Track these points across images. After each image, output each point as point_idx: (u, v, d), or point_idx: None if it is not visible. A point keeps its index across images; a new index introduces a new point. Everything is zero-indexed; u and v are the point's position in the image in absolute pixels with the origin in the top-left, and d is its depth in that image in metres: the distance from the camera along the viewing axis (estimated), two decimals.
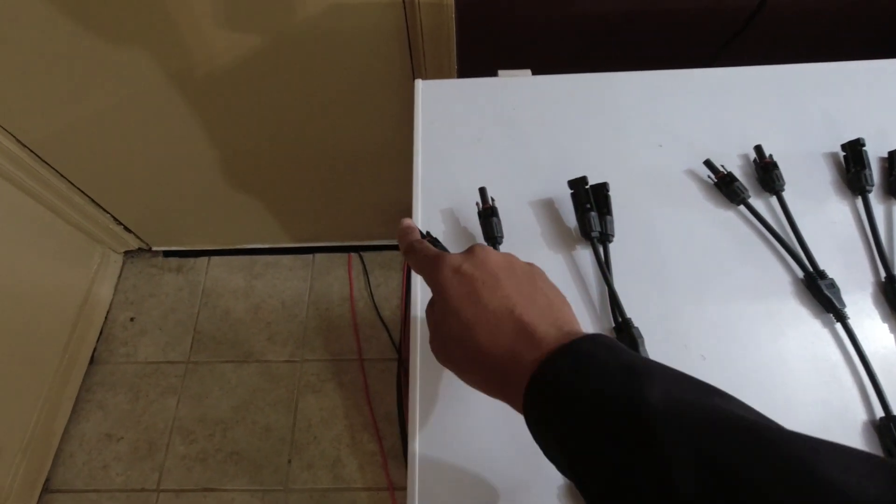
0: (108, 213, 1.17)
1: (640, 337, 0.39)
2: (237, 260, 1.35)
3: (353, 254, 1.36)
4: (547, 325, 0.27)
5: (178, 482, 1.13)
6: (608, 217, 0.44)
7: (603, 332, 0.28)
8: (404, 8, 0.71)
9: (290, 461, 1.14)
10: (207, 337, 1.27)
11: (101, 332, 1.27)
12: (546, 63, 0.62)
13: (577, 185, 0.45)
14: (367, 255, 1.35)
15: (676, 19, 0.69)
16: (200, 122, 0.92)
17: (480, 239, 0.45)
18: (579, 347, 0.25)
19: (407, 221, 0.38)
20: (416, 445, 0.38)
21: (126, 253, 1.36)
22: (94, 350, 1.25)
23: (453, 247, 0.45)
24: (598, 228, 0.43)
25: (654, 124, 0.51)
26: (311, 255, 1.37)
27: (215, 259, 1.35)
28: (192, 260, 1.35)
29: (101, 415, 1.19)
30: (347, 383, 1.22)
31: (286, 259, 1.37)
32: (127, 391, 1.21)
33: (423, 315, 0.41)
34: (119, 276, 1.34)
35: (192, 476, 1.13)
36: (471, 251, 0.31)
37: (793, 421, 0.38)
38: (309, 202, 1.20)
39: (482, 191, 0.45)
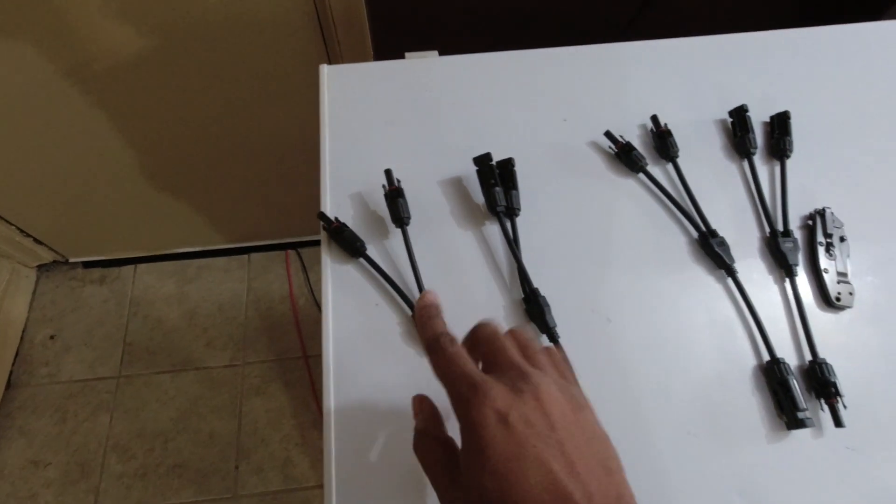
0: (11, 224, 1.09)
1: (547, 305, 0.41)
2: (167, 265, 1.29)
3: (290, 250, 1.33)
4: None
5: (116, 502, 1.07)
6: (514, 192, 0.45)
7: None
8: None
9: (237, 467, 1.11)
10: (140, 348, 1.21)
11: (17, 354, 1.18)
12: (461, 43, 0.62)
13: (482, 161, 0.45)
14: (304, 251, 1.33)
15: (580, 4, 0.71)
16: (105, 120, 0.87)
17: (388, 220, 0.44)
18: None
19: (429, 297, 0.31)
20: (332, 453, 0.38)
21: (40, 267, 1.27)
22: (11, 373, 1.16)
23: (362, 230, 0.44)
24: (504, 203, 0.44)
25: (560, 100, 0.52)
26: (246, 255, 1.32)
27: (143, 266, 1.29)
28: (116, 269, 1.28)
29: (24, 441, 1.11)
30: (293, 382, 1.19)
31: (220, 261, 1.32)
32: (52, 413, 1.14)
33: (334, 317, 0.41)
34: (34, 293, 1.25)
35: (133, 494, 1.08)
36: (522, 386, 0.25)
37: (693, 369, 0.41)
38: (239, 200, 1.16)
39: (388, 172, 0.44)
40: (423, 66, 0.54)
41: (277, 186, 1.12)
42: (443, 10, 0.72)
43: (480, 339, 0.29)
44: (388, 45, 0.77)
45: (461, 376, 0.26)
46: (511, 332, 0.30)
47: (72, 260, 1.26)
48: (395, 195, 0.43)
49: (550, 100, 0.52)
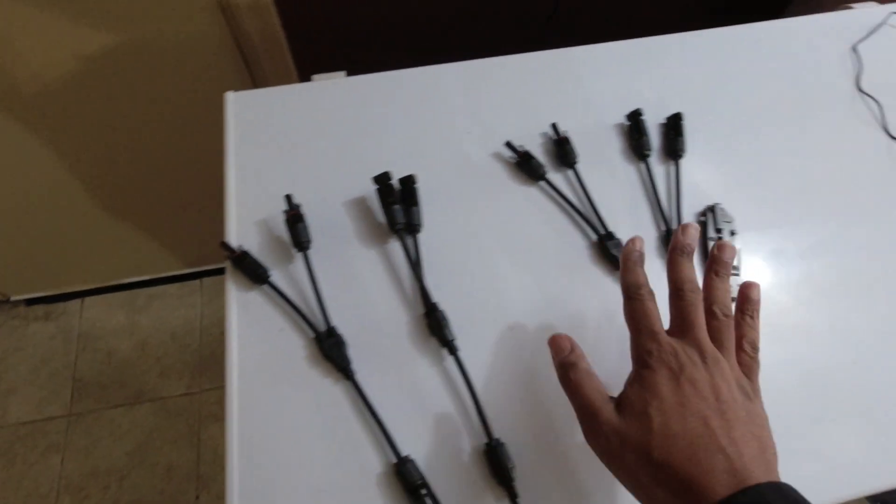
0: None
1: (445, 319, 0.41)
2: (115, 297, 1.26)
3: None
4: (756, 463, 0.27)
5: None
6: (415, 208, 0.46)
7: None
8: (224, 16, 0.69)
9: (198, 497, 1.09)
10: (90, 384, 1.17)
11: None
12: (385, 58, 0.62)
13: (381, 180, 0.46)
14: None
15: (496, 10, 0.72)
16: (37, 148, 0.85)
17: (276, 254, 0.44)
18: (764, 495, 0.26)
19: (637, 243, 0.35)
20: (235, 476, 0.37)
21: None
22: None
23: (268, 256, 0.44)
24: (403, 220, 0.44)
25: (465, 113, 0.53)
26: (198, 280, 1.30)
27: (90, 300, 1.25)
28: (61, 305, 1.24)
29: None
30: None
31: (172, 288, 1.29)
32: (0, 458, 1.10)
33: (238, 346, 0.40)
34: None
35: None
36: (697, 360, 0.30)
37: (598, 371, 0.42)
38: (185, 224, 1.15)
39: (287, 197, 0.45)
40: (330, 88, 0.54)
41: (221, 209, 1.11)
42: (359, 27, 0.73)
43: (685, 300, 0.32)
44: (311, 65, 0.77)
45: (650, 332, 0.31)
46: (710, 308, 0.33)
47: (13, 298, 1.22)
48: (294, 220, 0.44)
49: (455, 113, 0.53)
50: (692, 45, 0.59)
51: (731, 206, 0.49)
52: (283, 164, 0.49)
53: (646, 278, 0.34)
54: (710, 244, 0.46)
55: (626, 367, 0.42)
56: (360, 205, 0.48)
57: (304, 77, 0.79)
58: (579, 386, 0.32)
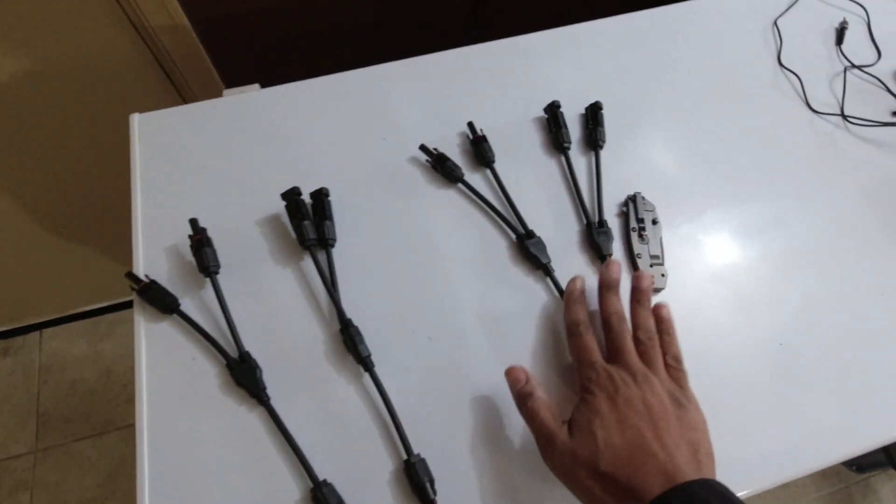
0: None
1: (360, 335, 0.40)
2: (76, 326, 1.23)
3: None
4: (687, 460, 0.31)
5: None
6: (328, 222, 0.44)
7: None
8: (141, 37, 0.67)
9: None
10: (55, 417, 1.15)
11: None
12: (309, 66, 0.60)
13: (289, 196, 0.44)
14: None
15: (417, 11, 0.71)
16: None
17: (186, 280, 0.43)
18: (692, 491, 0.29)
19: (577, 283, 0.41)
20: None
21: None
22: None
23: (178, 283, 0.43)
24: (313, 236, 0.43)
25: (379, 118, 0.52)
26: None
27: (49, 331, 1.22)
28: (19, 338, 1.21)
29: None
30: None
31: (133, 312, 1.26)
32: None
33: (148, 379, 0.39)
34: None
35: None
36: (629, 380, 0.34)
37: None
38: None
39: (192, 222, 0.43)
40: (242, 102, 0.53)
41: None
42: (279, 37, 0.71)
43: (613, 331, 0.38)
44: (237, 77, 0.75)
45: (588, 361, 0.36)
46: (636, 334, 0.38)
47: None
48: (199, 245, 0.42)
49: (370, 120, 0.52)
50: (612, 32, 0.58)
51: (656, 191, 0.48)
52: (193, 186, 0.48)
53: (585, 314, 0.39)
54: (633, 235, 0.45)
55: (572, 366, 0.41)
56: (275, 222, 0.46)
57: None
58: (536, 413, 0.35)
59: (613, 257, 0.44)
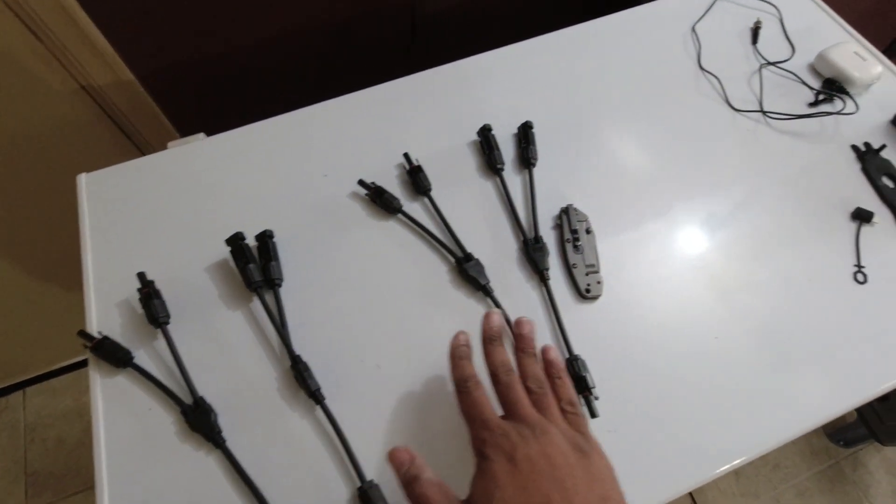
0: None
1: (308, 369, 0.41)
2: (59, 381, 1.23)
3: None
4: None
5: None
6: (273, 263, 0.46)
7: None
8: (90, 96, 0.68)
9: None
10: (44, 476, 1.14)
11: None
12: (259, 110, 0.62)
13: (233, 242, 0.46)
14: None
15: (357, 47, 0.73)
16: None
17: (140, 331, 0.44)
18: None
19: (461, 338, 0.37)
20: None
21: None
22: None
23: (131, 336, 0.44)
24: (259, 278, 0.45)
25: (320, 156, 0.54)
26: None
27: (31, 389, 1.22)
28: (2, 399, 1.20)
29: None
30: None
31: None
32: None
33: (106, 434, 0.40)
34: None
35: None
36: (528, 434, 0.31)
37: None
38: None
39: (140, 276, 0.44)
40: (187, 153, 0.54)
41: None
42: (226, 80, 0.73)
43: (502, 384, 0.35)
44: (192, 124, 0.77)
45: (480, 420, 0.32)
46: (526, 384, 0.35)
47: None
48: (148, 297, 0.43)
49: (311, 158, 0.53)
50: (541, 50, 0.61)
51: (590, 200, 0.50)
52: (142, 239, 0.49)
53: (472, 370, 0.36)
54: (568, 246, 0.47)
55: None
56: (224, 267, 0.47)
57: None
58: (425, 497, 0.31)
59: (493, 309, 0.43)
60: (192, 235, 0.49)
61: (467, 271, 0.45)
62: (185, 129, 0.77)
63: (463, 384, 0.35)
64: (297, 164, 0.53)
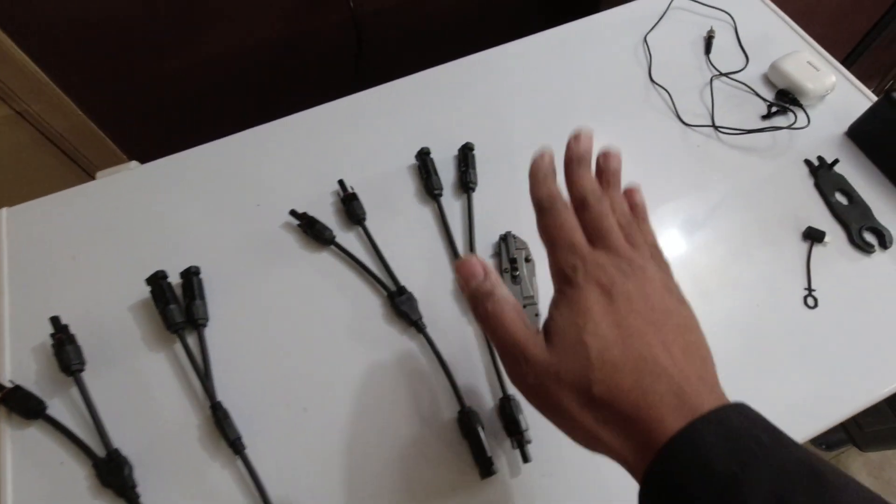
0: None
1: (228, 416, 0.39)
2: None
3: None
4: (698, 382, 0.24)
5: None
6: (198, 302, 0.44)
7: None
8: (27, 122, 0.66)
9: None
10: None
11: None
12: (213, 130, 0.60)
13: (153, 281, 0.44)
14: None
15: (305, 68, 0.71)
16: None
17: (56, 379, 0.42)
18: (729, 420, 0.22)
19: (546, 156, 0.31)
20: None
21: None
22: None
23: (47, 385, 0.42)
24: (180, 319, 0.43)
25: (254, 184, 0.51)
26: None
27: None
28: None
29: None
30: None
31: None
32: None
33: (14, 490, 0.37)
34: None
35: None
36: (625, 268, 0.26)
37: (400, 434, 0.40)
38: None
39: (53, 320, 0.42)
40: (115, 183, 0.52)
41: None
42: (170, 104, 0.71)
43: (592, 211, 0.29)
44: (140, 147, 0.75)
45: (570, 245, 0.27)
46: (617, 216, 0.30)
47: None
48: (60, 344, 0.41)
49: (244, 186, 0.51)
50: (485, 65, 0.59)
51: (533, 226, 0.48)
52: (63, 278, 0.47)
53: (558, 191, 0.30)
54: (506, 277, 0.45)
55: (428, 425, 0.40)
56: (147, 307, 0.45)
57: (144, 157, 0.77)
58: (499, 318, 0.26)
59: (582, 128, 0.32)
60: (115, 272, 0.47)
61: (398, 306, 0.43)
62: (134, 153, 0.75)
63: (550, 202, 0.29)
64: (229, 193, 0.51)
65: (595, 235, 0.28)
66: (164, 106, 0.70)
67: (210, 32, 0.64)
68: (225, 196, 0.51)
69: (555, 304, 0.27)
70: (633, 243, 0.29)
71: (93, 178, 0.53)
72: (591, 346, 0.24)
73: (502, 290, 0.27)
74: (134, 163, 0.55)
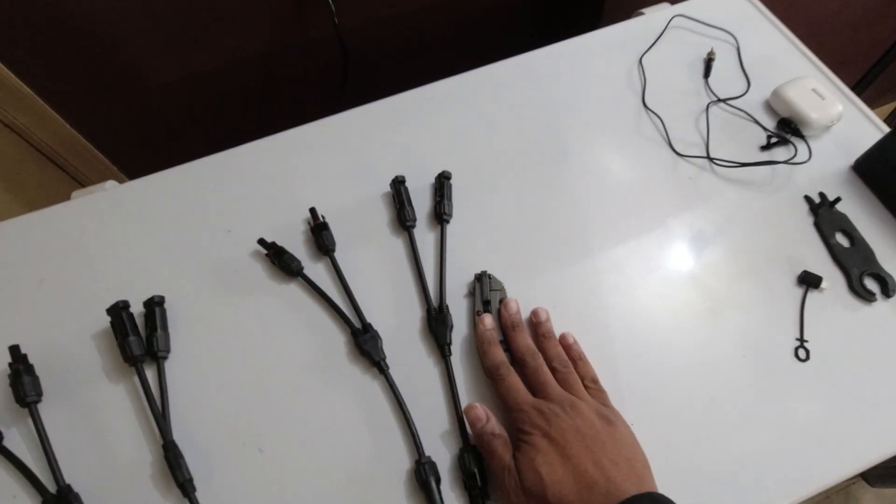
0: None
1: (181, 456, 0.38)
2: None
3: None
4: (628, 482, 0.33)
5: None
6: (158, 333, 0.43)
7: None
8: (15, 133, 0.66)
9: None
10: None
11: None
12: (203, 147, 0.59)
13: (113, 311, 0.43)
14: None
15: (293, 88, 0.70)
16: None
17: (14, 409, 0.41)
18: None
19: (487, 321, 0.42)
20: None
21: None
22: None
23: (4, 413, 0.42)
24: (139, 352, 0.42)
25: (226, 208, 0.50)
26: None
27: None
28: None
29: None
30: None
31: None
32: None
33: None
34: None
35: None
36: (558, 411, 0.36)
37: (352, 481, 0.39)
38: None
39: (12, 350, 0.42)
40: (87, 205, 0.51)
41: None
42: (157, 119, 0.70)
43: (530, 368, 0.40)
44: (132, 161, 0.75)
45: (517, 406, 0.38)
46: (551, 366, 0.40)
47: None
48: (16, 375, 0.41)
49: (216, 211, 0.50)
50: (470, 86, 0.56)
51: (510, 262, 0.46)
52: (27, 304, 0.46)
53: (503, 355, 0.40)
54: (478, 319, 0.43)
55: (384, 474, 0.39)
56: (109, 336, 0.44)
57: (133, 173, 0.77)
58: (494, 452, 0.36)
59: (510, 297, 0.44)
60: (81, 298, 0.46)
61: (361, 346, 0.42)
62: (122, 164, 0.75)
63: (496, 371, 0.39)
64: (201, 218, 0.50)
65: (536, 387, 0.39)
66: (149, 121, 0.69)
67: (193, 49, 0.63)
68: (197, 220, 0.50)
69: (517, 447, 0.36)
70: (567, 385, 0.39)
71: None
72: (543, 473, 0.34)
73: (499, 430, 0.38)
74: (110, 182, 0.54)
